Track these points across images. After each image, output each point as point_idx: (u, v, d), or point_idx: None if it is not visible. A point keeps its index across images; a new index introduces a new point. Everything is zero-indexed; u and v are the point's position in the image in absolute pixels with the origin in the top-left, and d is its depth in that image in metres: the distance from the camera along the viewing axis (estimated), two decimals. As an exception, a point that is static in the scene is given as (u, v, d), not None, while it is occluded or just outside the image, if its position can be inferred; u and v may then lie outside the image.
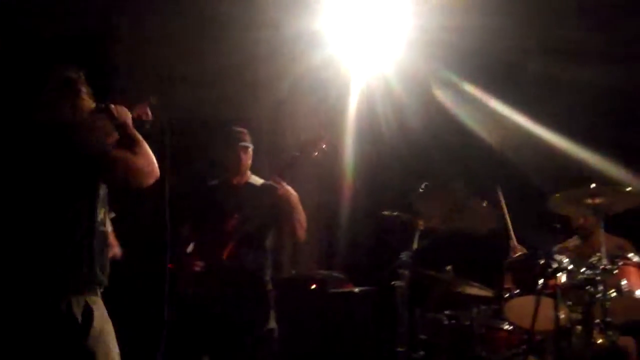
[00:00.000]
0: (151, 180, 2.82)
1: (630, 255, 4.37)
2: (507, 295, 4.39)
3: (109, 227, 2.91)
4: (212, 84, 5.53)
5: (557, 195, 4.40)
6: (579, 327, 4.20)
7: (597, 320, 4.14)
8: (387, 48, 5.57)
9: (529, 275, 4.24)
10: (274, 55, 5.43)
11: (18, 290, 2.56)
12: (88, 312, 2.57)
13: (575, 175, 4.73)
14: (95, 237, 2.68)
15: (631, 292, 4.22)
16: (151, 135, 2.95)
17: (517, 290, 4.34)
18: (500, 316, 4.51)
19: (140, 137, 2.88)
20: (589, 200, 4.34)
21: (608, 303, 4.13)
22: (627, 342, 4.52)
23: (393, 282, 4.64)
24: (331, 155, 4.63)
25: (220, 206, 4.24)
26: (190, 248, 4.19)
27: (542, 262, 4.21)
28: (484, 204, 4.64)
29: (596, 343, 4.18)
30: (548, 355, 4.29)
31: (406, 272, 4.57)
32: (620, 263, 4.26)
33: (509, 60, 5.57)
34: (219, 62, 5.32)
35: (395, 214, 4.77)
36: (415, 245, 4.63)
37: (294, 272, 5.29)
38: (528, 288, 4.25)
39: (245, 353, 4.10)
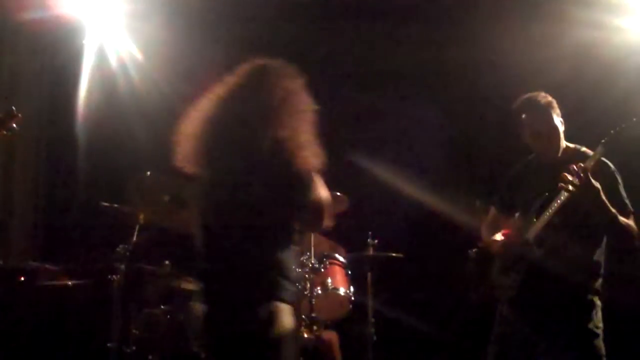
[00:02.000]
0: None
1: (337, 255, 4.68)
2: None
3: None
4: None
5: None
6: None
7: (304, 316, 4.38)
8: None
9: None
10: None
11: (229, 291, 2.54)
12: (272, 317, 2.48)
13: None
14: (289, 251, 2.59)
15: (336, 290, 4.51)
16: None
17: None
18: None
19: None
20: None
21: (314, 300, 4.39)
22: (331, 336, 4.84)
23: (109, 276, 4.51)
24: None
25: None
26: None
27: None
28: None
29: (303, 337, 4.43)
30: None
31: (122, 266, 4.47)
32: (327, 263, 4.55)
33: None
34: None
35: (115, 206, 4.64)
36: (134, 239, 4.54)
37: (1, 262, 4.93)
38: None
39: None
